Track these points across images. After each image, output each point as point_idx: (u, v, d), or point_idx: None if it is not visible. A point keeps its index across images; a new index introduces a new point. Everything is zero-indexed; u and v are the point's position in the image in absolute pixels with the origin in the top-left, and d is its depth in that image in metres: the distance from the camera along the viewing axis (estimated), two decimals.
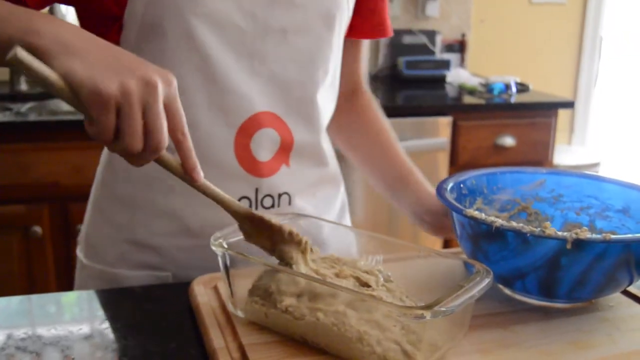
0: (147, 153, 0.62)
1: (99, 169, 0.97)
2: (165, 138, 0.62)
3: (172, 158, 0.65)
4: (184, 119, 0.64)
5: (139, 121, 0.60)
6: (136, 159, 0.62)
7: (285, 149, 0.91)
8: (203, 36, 0.81)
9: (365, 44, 1.07)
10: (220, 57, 0.83)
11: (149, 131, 0.60)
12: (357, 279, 0.70)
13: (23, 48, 0.58)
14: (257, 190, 0.90)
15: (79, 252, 0.98)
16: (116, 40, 0.83)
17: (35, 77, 0.59)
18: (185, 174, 0.66)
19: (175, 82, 0.63)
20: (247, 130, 0.87)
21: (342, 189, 1.07)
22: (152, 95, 0.60)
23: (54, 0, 0.82)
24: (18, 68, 0.58)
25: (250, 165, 0.89)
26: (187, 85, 0.82)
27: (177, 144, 0.64)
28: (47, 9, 0.97)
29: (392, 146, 1.05)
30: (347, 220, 1.08)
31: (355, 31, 0.99)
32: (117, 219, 0.92)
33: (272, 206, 0.91)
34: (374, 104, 1.09)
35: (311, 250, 0.72)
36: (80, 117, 0.61)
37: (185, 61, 0.82)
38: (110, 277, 0.92)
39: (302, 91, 0.90)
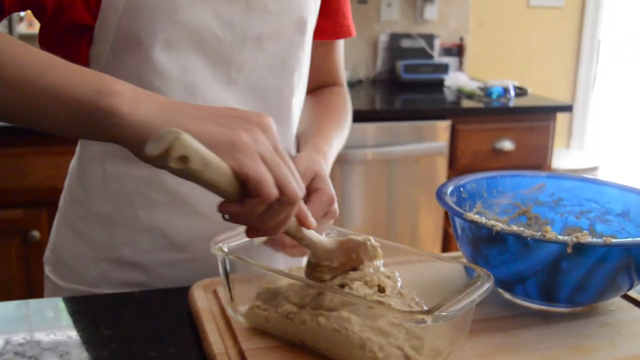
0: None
1: (69, 188, 0.93)
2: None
3: None
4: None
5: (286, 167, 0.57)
6: (284, 219, 0.59)
7: None
8: (180, 46, 0.80)
9: (340, 44, 1.07)
10: (197, 66, 0.82)
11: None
12: (378, 285, 0.68)
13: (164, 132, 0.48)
14: None
15: (49, 273, 0.94)
16: (87, 52, 0.81)
17: (185, 170, 0.49)
18: (301, 223, 0.64)
19: (274, 124, 0.60)
20: None
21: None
22: (274, 139, 0.58)
23: (25, 8, 0.78)
24: (170, 159, 0.47)
25: None
26: (165, 96, 0.81)
27: None
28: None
29: (330, 113, 1.02)
30: None
31: (321, 33, 1.00)
32: (96, 237, 0.89)
33: None
34: (343, 92, 1.08)
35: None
36: None
37: (162, 72, 0.80)
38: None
39: (278, 98, 0.90)
